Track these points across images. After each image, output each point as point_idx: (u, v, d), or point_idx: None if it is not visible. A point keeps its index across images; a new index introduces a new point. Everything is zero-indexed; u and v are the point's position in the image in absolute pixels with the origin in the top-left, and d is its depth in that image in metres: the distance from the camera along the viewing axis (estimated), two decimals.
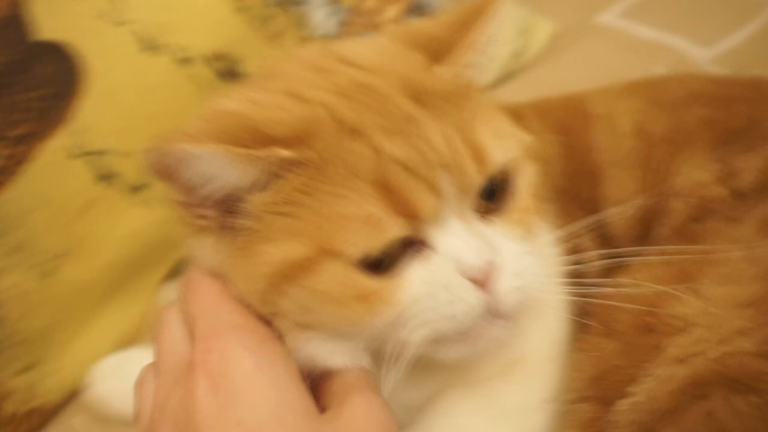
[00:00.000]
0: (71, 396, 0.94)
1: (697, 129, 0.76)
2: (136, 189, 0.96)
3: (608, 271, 0.68)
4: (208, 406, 0.55)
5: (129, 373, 0.87)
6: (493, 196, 0.61)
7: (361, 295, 0.56)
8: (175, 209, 0.61)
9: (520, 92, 1.16)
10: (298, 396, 0.57)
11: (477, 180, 0.59)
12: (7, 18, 0.87)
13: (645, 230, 0.73)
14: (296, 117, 0.58)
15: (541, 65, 1.37)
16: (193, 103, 0.84)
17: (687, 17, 1.40)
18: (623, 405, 0.61)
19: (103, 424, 0.91)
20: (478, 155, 0.59)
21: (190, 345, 0.60)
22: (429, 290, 0.57)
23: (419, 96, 0.60)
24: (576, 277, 0.66)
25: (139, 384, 0.63)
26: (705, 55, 1.30)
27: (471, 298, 0.58)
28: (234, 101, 0.60)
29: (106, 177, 0.93)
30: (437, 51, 0.63)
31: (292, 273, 0.57)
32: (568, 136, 0.79)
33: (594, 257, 0.67)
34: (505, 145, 0.62)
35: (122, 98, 0.93)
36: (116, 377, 0.90)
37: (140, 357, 0.90)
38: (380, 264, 0.57)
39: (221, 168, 0.56)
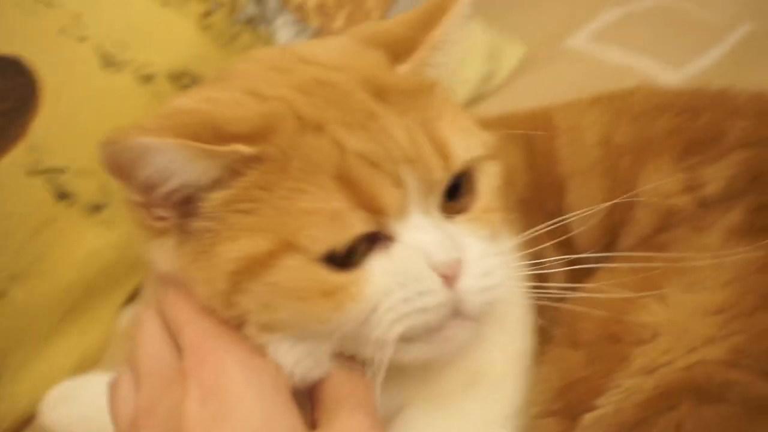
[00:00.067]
0: (27, 422, 0.91)
1: (663, 140, 0.75)
2: (96, 208, 0.94)
3: (572, 280, 0.66)
4: (199, 418, 0.54)
5: (84, 399, 0.86)
6: (457, 195, 0.61)
7: (326, 290, 0.55)
8: (132, 211, 0.59)
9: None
10: (284, 413, 0.56)
11: (441, 176, 0.58)
12: None
13: (611, 240, 0.71)
14: (256, 113, 0.56)
15: (511, 88, 1.37)
16: None
17: (656, 40, 1.40)
18: (590, 418, 0.59)
19: None
20: (442, 151, 0.58)
21: (173, 350, 0.59)
22: (397, 282, 0.56)
23: (381, 93, 0.59)
24: (538, 284, 0.64)
25: (115, 386, 0.62)
26: (674, 77, 1.30)
27: (440, 292, 0.56)
28: (192, 100, 0.59)
29: (65, 196, 0.91)
30: (399, 50, 0.63)
31: (255, 268, 0.55)
32: (534, 149, 0.78)
33: (557, 264, 0.66)
34: (469, 143, 0.61)
35: (81, 115, 0.91)
36: (70, 403, 0.86)
37: (97, 382, 0.86)
38: (345, 259, 0.56)
39: (180, 164, 0.54)
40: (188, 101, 0.59)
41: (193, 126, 0.55)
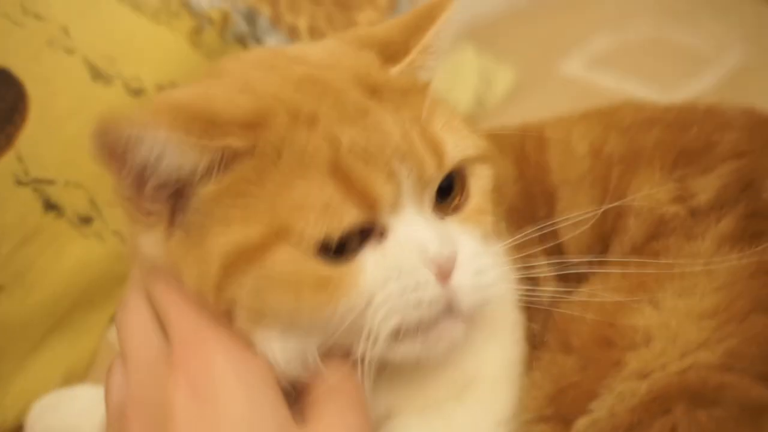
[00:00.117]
0: None
1: (653, 151, 0.74)
2: (84, 221, 0.93)
3: (564, 286, 0.66)
4: (186, 410, 0.54)
5: (70, 410, 0.85)
6: (449, 195, 0.61)
7: (318, 282, 0.55)
8: (122, 204, 0.59)
9: None
10: (272, 408, 0.55)
11: (434, 172, 0.58)
12: None
13: (602, 248, 0.71)
14: (249, 107, 0.57)
15: (503, 112, 1.38)
16: None
17: (647, 66, 1.42)
18: (583, 423, 0.58)
19: None
20: (436, 149, 0.58)
21: (162, 339, 0.58)
22: (391, 276, 0.56)
23: (374, 90, 0.59)
24: (530, 288, 0.64)
25: (109, 373, 0.62)
26: (665, 102, 1.30)
27: (434, 287, 0.56)
28: (185, 95, 0.59)
29: (53, 207, 0.90)
30: (391, 52, 0.63)
31: (247, 259, 0.54)
32: (525, 160, 0.78)
33: (547, 270, 0.66)
34: (461, 143, 0.61)
35: (69, 127, 0.91)
36: (56, 415, 0.85)
37: (83, 395, 0.86)
38: (337, 252, 0.56)
39: (172, 155, 0.54)
40: (181, 95, 0.59)
41: (186, 119, 0.54)
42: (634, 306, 0.62)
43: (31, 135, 0.88)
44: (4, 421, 0.88)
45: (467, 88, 1.34)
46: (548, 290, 0.64)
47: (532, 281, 0.65)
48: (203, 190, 0.56)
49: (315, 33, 1.19)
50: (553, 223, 0.67)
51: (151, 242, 0.59)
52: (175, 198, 0.57)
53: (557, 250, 0.68)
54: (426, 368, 0.64)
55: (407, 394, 0.64)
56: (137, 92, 0.96)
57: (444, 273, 0.57)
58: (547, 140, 0.80)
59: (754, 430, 0.54)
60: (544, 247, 0.66)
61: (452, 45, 1.43)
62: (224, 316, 0.57)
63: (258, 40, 1.10)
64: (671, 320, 0.60)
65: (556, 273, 0.66)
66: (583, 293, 0.64)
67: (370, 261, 0.56)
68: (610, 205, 0.68)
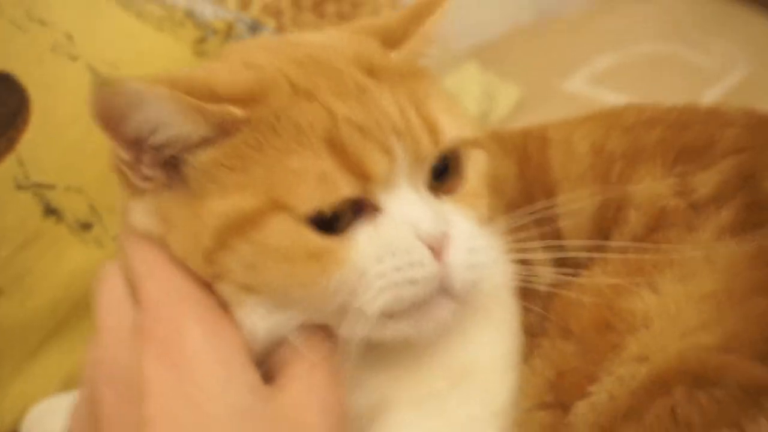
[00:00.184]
0: None
1: (655, 148, 0.74)
2: (84, 226, 0.92)
3: (562, 274, 0.66)
4: (158, 377, 0.54)
5: (63, 417, 0.84)
6: (445, 177, 0.61)
7: (312, 253, 0.55)
8: (119, 171, 0.59)
9: None
10: (243, 372, 0.55)
11: (430, 150, 0.59)
12: None
13: (602, 239, 0.70)
14: (248, 79, 0.58)
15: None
16: None
17: (651, 83, 1.42)
18: (582, 406, 0.58)
19: None
20: (432, 128, 0.59)
21: (133, 304, 0.58)
22: (384, 252, 0.56)
23: (373, 70, 0.60)
24: (528, 272, 0.64)
25: (86, 349, 0.61)
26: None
27: (430, 264, 0.56)
28: (185, 71, 0.61)
29: (53, 211, 0.90)
30: (391, 39, 0.64)
31: (242, 226, 0.55)
32: (526, 159, 0.78)
33: (544, 257, 0.66)
34: (457, 124, 0.62)
35: (71, 133, 0.91)
36: (51, 421, 0.85)
37: None
38: (332, 224, 0.56)
39: (172, 117, 0.55)
40: (181, 71, 0.61)
41: (185, 88, 0.55)
42: (633, 290, 0.62)
43: (32, 139, 0.88)
44: (0, 425, 0.87)
45: (471, 103, 1.35)
46: (546, 275, 0.64)
47: (529, 267, 0.65)
48: (201, 157, 0.57)
49: None
50: (552, 208, 0.67)
51: (143, 211, 0.59)
52: (172, 165, 0.58)
53: (556, 239, 0.68)
54: (421, 356, 0.64)
55: (402, 383, 0.64)
56: None
57: (437, 250, 0.57)
58: (549, 140, 0.80)
59: (754, 410, 0.53)
60: (542, 232, 0.66)
61: (456, 62, 1.44)
62: (208, 284, 0.57)
63: None
64: (670, 303, 0.60)
65: (553, 258, 0.66)
66: (582, 279, 0.64)
67: (364, 236, 0.57)
68: (614, 195, 0.68)
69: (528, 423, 0.61)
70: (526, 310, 0.66)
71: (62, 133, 0.90)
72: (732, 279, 0.60)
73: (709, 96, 1.38)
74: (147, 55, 0.99)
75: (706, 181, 0.70)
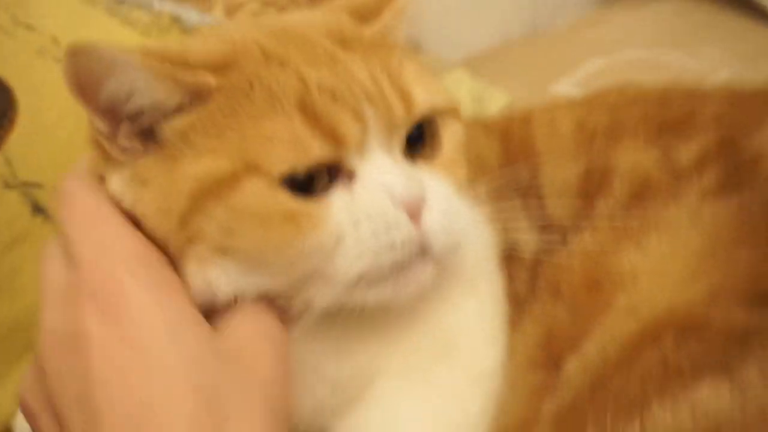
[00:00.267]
0: None
1: (637, 123, 0.75)
2: None
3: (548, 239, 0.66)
4: (99, 332, 0.53)
5: None
6: (420, 145, 0.62)
7: (287, 215, 0.55)
8: (97, 143, 0.59)
9: None
10: (195, 322, 0.55)
11: (403, 117, 0.59)
12: None
13: (587, 209, 0.70)
14: (221, 49, 0.59)
15: None
16: None
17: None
18: (574, 362, 0.58)
19: None
20: (404, 95, 0.60)
21: (70, 267, 0.57)
22: (360, 217, 0.56)
23: (345, 42, 0.61)
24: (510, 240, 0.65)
25: None
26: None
27: (407, 227, 0.56)
28: (160, 43, 0.62)
29: (41, 210, 0.90)
30: (364, 15, 0.65)
31: (216, 189, 0.55)
32: (509, 137, 0.79)
33: (527, 224, 0.66)
34: (431, 92, 0.62)
35: (58, 132, 0.91)
36: None
37: None
38: (307, 189, 0.56)
39: (145, 83, 0.55)
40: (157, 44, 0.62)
41: (158, 57, 0.56)
42: (621, 250, 0.62)
43: (19, 139, 0.89)
44: None
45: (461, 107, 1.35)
46: (530, 243, 0.64)
47: (513, 235, 0.65)
48: (176, 124, 0.57)
49: None
50: (536, 178, 0.67)
51: (119, 181, 0.59)
52: (149, 135, 0.58)
53: (541, 209, 0.68)
54: (407, 326, 0.64)
55: (389, 353, 0.64)
56: None
57: (413, 214, 0.57)
58: (532, 120, 0.81)
59: (743, 353, 0.53)
60: (526, 203, 0.66)
61: (445, 69, 1.45)
62: (182, 244, 0.57)
63: None
64: (657, 260, 0.61)
65: (539, 226, 0.66)
66: (570, 243, 0.65)
67: (339, 201, 0.57)
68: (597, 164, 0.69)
69: (519, 384, 0.61)
70: (512, 279, 0.66)
71: (49, 133, 0.91)
72: (716, 235, 0.61)
73: None
74: None
75: (687, 150, 0.70)
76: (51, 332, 0.56)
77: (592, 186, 0.70)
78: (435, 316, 0.64)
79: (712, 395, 0.52)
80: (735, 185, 0.65)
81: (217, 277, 0.57)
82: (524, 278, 0.65)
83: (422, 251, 0.57)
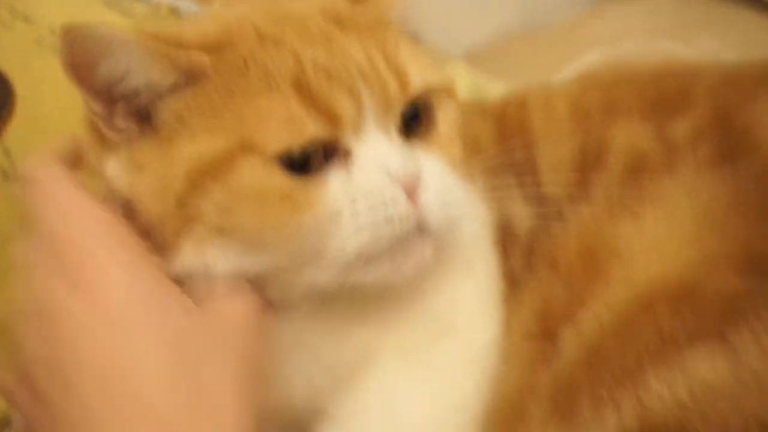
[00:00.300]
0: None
1: (631, 101, 0.76)
2: None
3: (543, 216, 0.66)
4: (71, 303, 0.53)
5: None
6: (416, 123, 0.62)
7: (283, 194, 0.55)
8: (93, 126, 0.59)
9: None
10: (166, 285, 0.56)
11: (398, 96, 0.59)
12: None
13: (583, 185, 0.71)
14: (216, 27, 0.59)
15: None
16: None
17: None
18: (569, 332, 0.58)
19: None
20: (400, 75, 0.60)
21: (40, 247, 0.57)
22: (357, 195, 0.56)
23: (340, 21, 0.61)
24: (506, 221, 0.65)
25: None
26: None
27: (403, 203, 0.57)
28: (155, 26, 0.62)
29: None
30: None
31: (213, 169, 0.55)
32: (505, 119, 0.79)
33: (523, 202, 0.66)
34: (426, 72, 0.62)
35: (56, 123, 0.91)
36: None
37: None
38: (304, 168, 0.56)
39: (139, 62, 0.56)
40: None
41: (152, 38, 0.56)
42: (617, 223, 0.62)
43: (18, 130, 0.89)
44: None
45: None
46: (526, 220, 0.64)
47: (508, 213, 0.66)
48: (171, 104, 0.57)
49: None
50: (532, 158, 0.67)
51: (115, 164, 0.59)
52: (144, 115, 0.58)
53: (537, 187, 0.68)
54: (404, 308, 0.64)
55: (386, 334, 0.64)
56: None
57: (409, 190, 0.57)
58: (527, 102, 0.81)
59: (736, 319, 0.53)
60: (522, 181, 0.66)
61: (444, 62, 1.44)
62: (180, 224, 0.57)
63: None
64: (652, 232, 0.61)
65: (535, 203, 0.67)
66: (565, 218, 0.65)
67: (335, 180, 0.57)
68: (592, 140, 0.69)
69: (515, 356, 0.61)
70: (507, 256, 0.66)
71: (48, 123, 0.91)
72: (710, 206, 0.61)
73: None
74: None
75: (682, 125, 0.70)
76: (24, 308, 0.56)
77: (587, 161, 0.70)
78: (431, 297, 0.64)
79: (706, 364, 0.52)
80: (728, 158, 0.65)
81: (214, 257, 0.57)
82: (519, 255, 0.65)
83: (419, 229, 0.57)
